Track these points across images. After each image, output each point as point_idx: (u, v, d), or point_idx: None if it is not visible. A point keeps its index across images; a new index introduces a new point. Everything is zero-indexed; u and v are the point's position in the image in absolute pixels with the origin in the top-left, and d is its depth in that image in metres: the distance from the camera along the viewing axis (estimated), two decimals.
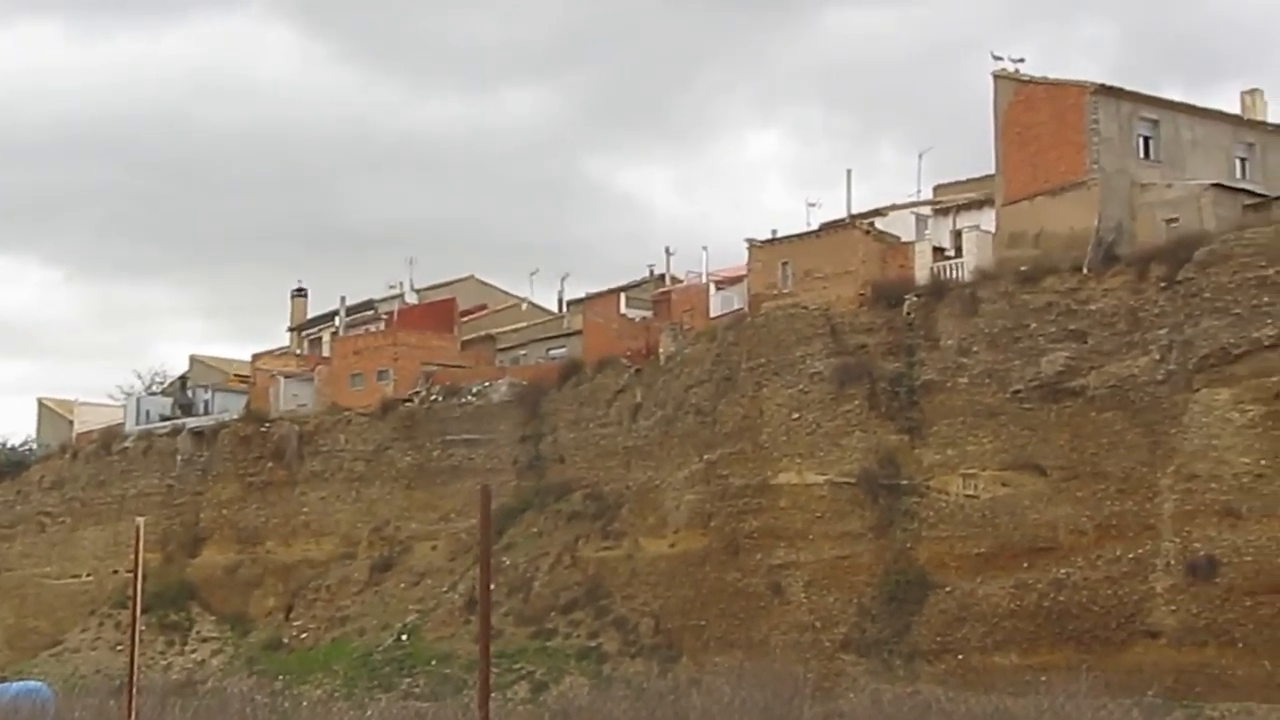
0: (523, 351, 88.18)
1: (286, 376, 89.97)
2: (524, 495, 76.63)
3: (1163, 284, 57.07)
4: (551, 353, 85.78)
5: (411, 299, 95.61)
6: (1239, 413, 53.28)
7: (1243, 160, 67.12)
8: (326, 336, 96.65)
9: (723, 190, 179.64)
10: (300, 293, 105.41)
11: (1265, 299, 53.50)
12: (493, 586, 72.45)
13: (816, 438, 63.37)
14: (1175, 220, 61.08)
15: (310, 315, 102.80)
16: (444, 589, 75.44)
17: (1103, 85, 64.94)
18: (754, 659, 60.77)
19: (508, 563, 73.16)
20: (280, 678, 74.37)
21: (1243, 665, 52.05)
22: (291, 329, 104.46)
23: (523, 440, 78.45)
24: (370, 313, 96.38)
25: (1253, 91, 70.53)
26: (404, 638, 73.99)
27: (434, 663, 71.05)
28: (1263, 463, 52.42)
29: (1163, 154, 65.11)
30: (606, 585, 70.60)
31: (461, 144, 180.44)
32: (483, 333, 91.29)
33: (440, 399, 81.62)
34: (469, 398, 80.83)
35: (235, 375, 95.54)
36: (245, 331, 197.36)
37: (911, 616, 60.00)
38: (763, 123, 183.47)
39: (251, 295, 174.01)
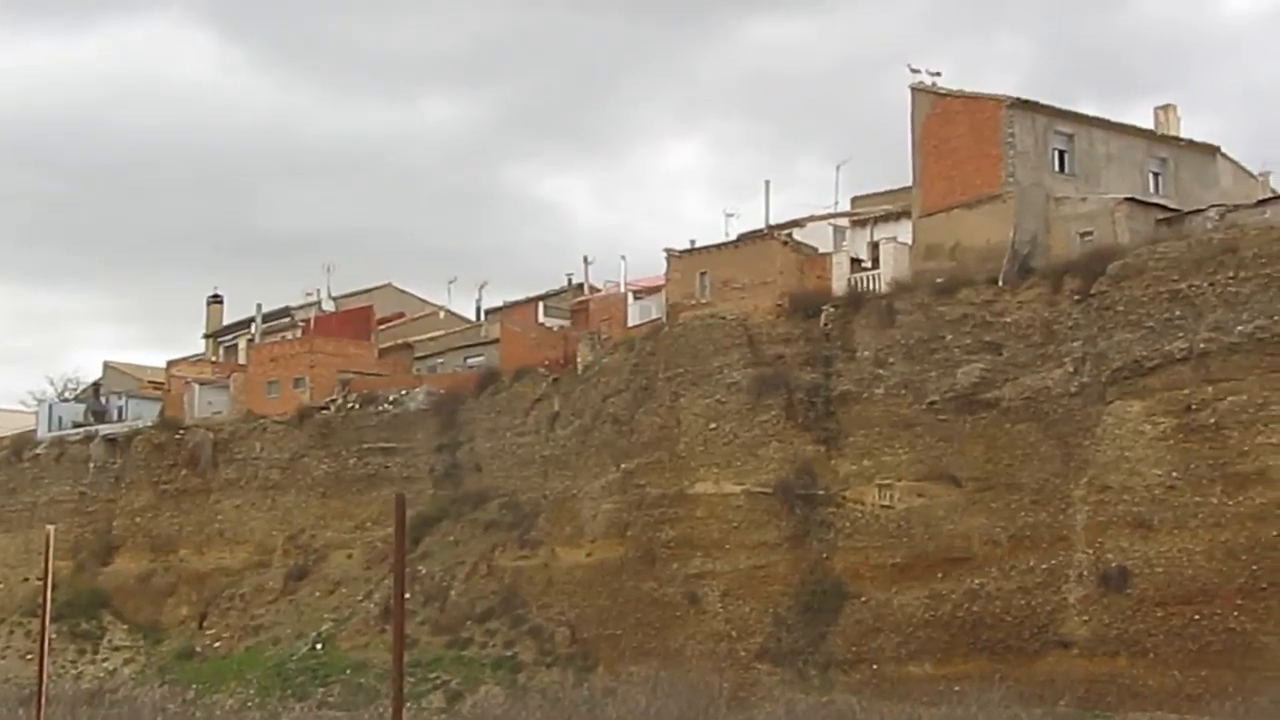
0: (440, 360, 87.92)
1: (202, 384, 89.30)
2: (440, 504, 76.36)
3: (1077, 297, 57.53)
4: (469, 361, 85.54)
5: (328, 307, 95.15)
6: (1151, 425, 53.76)
7: (1156, 175, 67.78)
8: (242, 344, 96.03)
9: (642, 200, 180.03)
10: (216, 299, 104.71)
11: (1177, 313, 53.99)
12: (408, 595, 72.31)
13: (733, 448, 63.48)
14: (1089, 234, 61.63)
15: (226, 322, 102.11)
16: (359, 598, 75.05)
17: (1019, 99, 65.42)
18: (670, 668, 60.89)
19: (424, 571, 72.88)
20: (193, 687, 73.84)
21: (1153, 675, 52.48)
22: (207, 336, 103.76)
23: (439, 449, 78.18)
24: (287, 320, 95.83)
25: (1166, 107, 71.25)
26: (319, 647, 73.52)
27: (349, 672, 70.64)
28: (1174, 475, 52.88)
29: (1077, 168, 65.66)
30: (523, 594, 70.40)
31: (381, 152, 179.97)
32: (400, 341, 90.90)
33: (357, 407, 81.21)
34: (386, 406, 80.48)
35: (150, 382, 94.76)
36: (160, 338, 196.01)
37: (827, 626, 60.18)
38: (683, 133, 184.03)
39: (167, 302, 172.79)
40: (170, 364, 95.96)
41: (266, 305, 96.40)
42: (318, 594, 77.19)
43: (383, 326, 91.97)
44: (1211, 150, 70.13)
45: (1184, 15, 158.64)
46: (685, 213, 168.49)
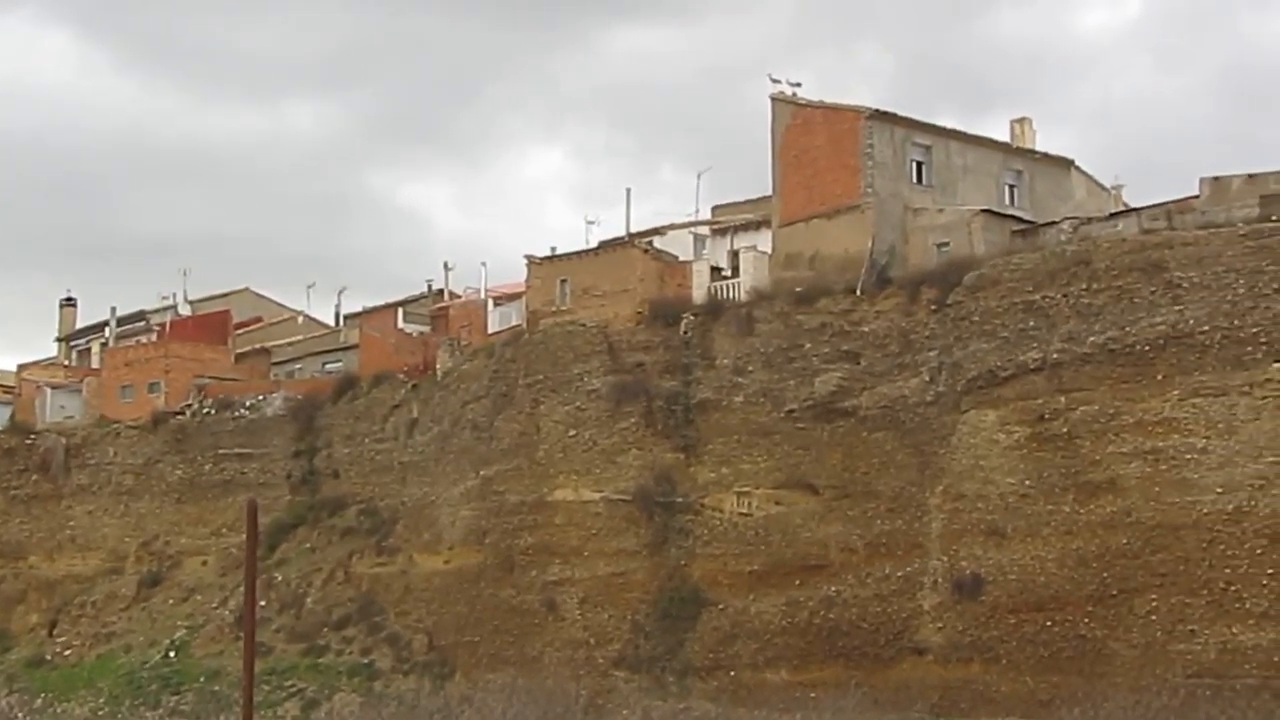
0: (298, 365, 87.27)
1: (53, 387, 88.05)
2: (297, 510, 75.78)
3: (933, 307, 58.06)
4: (327, 367, 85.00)
5: (185, 310, 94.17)
6: (1005, 434, 54.33)
7: (1012, 187, 68.63)
8: (96, 347, 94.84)
9: (504, 207, 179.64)
10: (69, 302, 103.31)
11: (1031, 323, 54.62)
12: (264, 603, 71.65)
13: (593, 455, 63.47)
14: (946, 244, 62.26)
15: (80, 325, 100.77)
16: (214, 605, 74.27)
17: (877, 110, 65.96)
18: (527, 676, 60.81)
19: (280, 579, 72.30)
20: (42, 695, 72.73)
21: (1005, 681, 53.05)
22: (59, 339, 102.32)
23: (296, 455, 77.56)
24: (142, 324, 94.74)
25: (1022, 120, 72.19)
26: (172, 654, 72.68)
27: (202, 680, 69.89)
28: (1027, 483, 53.49)
29: (935, 179, 66.31)
30: (380, 602, 70.01)
31: (242, 155, 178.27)
32: (258, 346, 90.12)
33: (212, 412, 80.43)
34: (242, 411, 79.75)
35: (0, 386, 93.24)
36: (11, 341, 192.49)
37: (685, 634, 60.29)
38: (546, 140, 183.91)
39: (18, 304, 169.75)
40: (21, 367, 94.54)
41: (121, 309, 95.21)
42: (171, 601, 76.32)
43: (240, 331, 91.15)
44: (1066, 163, 71.14)
45: (1041, 31, 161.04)
46: (547, 220, 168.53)
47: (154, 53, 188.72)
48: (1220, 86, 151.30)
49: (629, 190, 76.91)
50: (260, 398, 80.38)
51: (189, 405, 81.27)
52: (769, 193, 68.84)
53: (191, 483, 79.20)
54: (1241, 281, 50.88)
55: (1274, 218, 52.27)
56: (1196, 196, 57.31)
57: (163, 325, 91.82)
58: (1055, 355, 53.49)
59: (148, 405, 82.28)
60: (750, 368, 61.73)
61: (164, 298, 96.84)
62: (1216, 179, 57.21)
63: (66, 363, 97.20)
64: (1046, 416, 53.41)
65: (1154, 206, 58.45)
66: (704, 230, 74.54)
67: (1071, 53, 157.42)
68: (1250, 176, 56.45)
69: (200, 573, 76.80)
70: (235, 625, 71.24)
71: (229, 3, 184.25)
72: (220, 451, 78.98)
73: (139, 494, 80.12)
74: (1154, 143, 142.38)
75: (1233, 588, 49.28)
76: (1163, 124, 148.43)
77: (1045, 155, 70.73)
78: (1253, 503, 49.33)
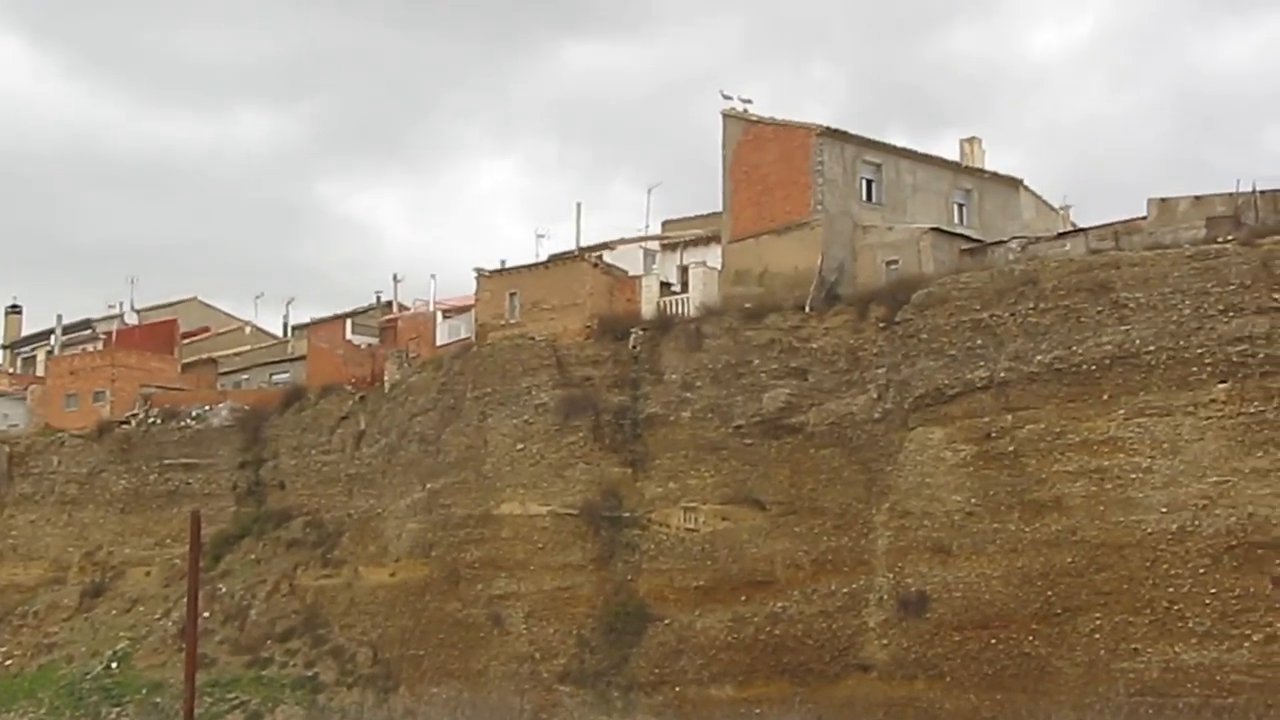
0: (245, 376, 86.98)
1: None
2: (242, 521, 75.44)
3: (882, 324, 58.21)
4: (275, 378, 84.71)
5: (132, 319, 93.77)
6: (951, 452, 54.46)
7: (960, 205, 68.89)
8: (41, 355, 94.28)
9: (455, 219, 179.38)
10: (14, 310, 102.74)
11: (979, 341, 54.81)
12: (208, 614, 71.14)
13: (540, 469, 63.38)
14: (895, 262, 62.43)
15: (25, 333, 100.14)
16: (157, 616, 73.84)
17: (828, 128, 66.09)
18: (472, 690, 60.74)
19: (224, 590, 71.93)
20: None
21: (950, 699, 53.13)
22: (4, 347, 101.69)
23: (243, 466, 77.23)
24: (88, 332, 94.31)
25: (971, 139, 72.49)
26: (114, 666, 72.21)
27: (144, 692, 69.48)
28: (973, 501, 53.61)
29: (885, 197, 66.51)
30: (325, 614, 69.72)
31: (192, 164, 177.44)
32: (205, 356, 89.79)
33: (159, 422, 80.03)
34: (188, 421, 79.38)
35: None
36: None
37: (630, 648, 60.23)
38: (498, 153, 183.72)
39: None
40: None
41: (68, 317, 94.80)
42: (114, 612, 75.84)
43: (187, 341, 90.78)
44: (1015, 183, 71.48)
45: (991, 51, 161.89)
46: (498, 233, 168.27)
47: (106, 60, 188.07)
48: (1168, 108, 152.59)
49: (579, 204, 76.78)
50: (206, 408, 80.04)
51: (134, 415, 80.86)
52: (719, 208, 68.91)
53: (136, 493, 78.76)
54: (1187, 302, 51.17)
55: (1220, 239, 52.61)
56: (1144, 217, 57.67)
57: (109, 334, 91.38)
58: (1002, 374, 53.67)
59: (93, 414, 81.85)
60: (698, 383, 61.76)
61: (111, 306, 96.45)
62: (1163, 200, 57.58)
63: (11, 370, 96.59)
64: (993, 435, 53.57)
65: (1101, 227, 58.82)
66: (654, 245, 74.60)
67: (1021, 73, 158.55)
68: (1197, 198, 56.86)
69: (143, 584, 76.35)
70: (178, 637, 70.85)
71: (181, 10, 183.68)
72: (165, 461, 78.59)
73: (83, 504, 79.64)
74: (1102, 163, 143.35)
75: (1176, 607, 49.50)
76: (1111, 145, 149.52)
77: (994, 175, 71.04)
78: (1196, 523, 49.56)
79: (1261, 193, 54.98)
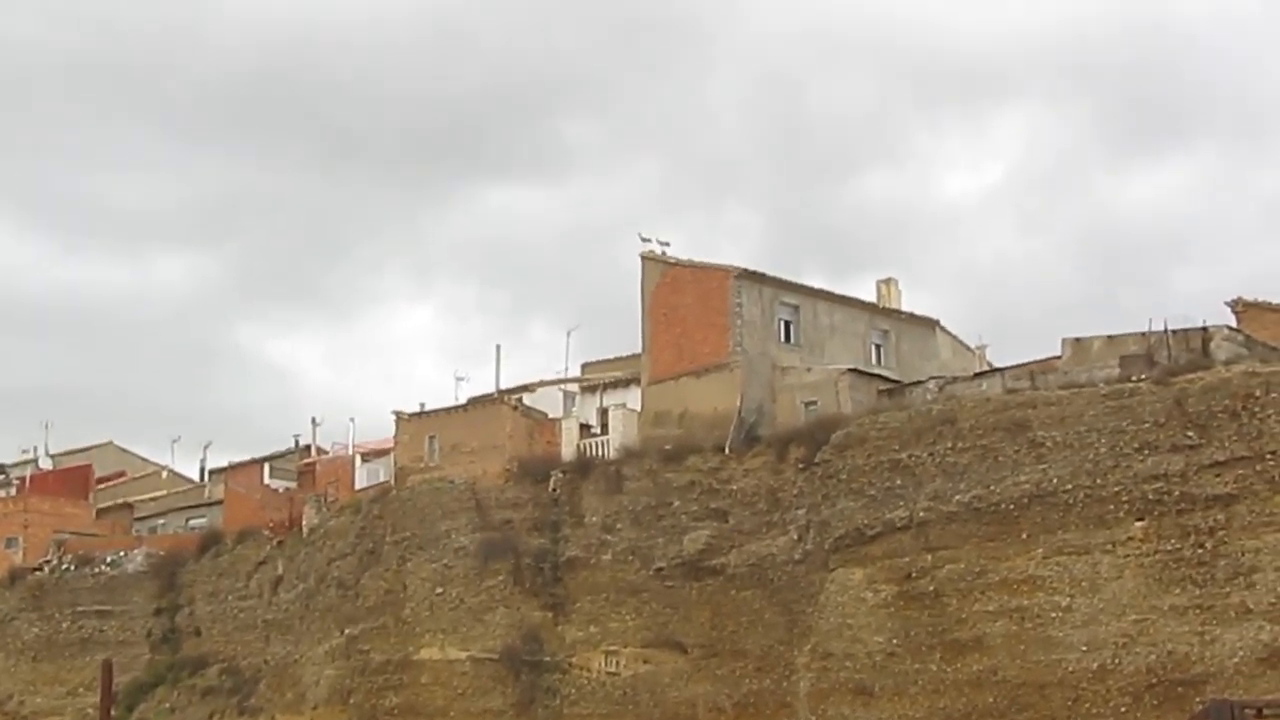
0: (161, 520, 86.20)
1: None
2: (157, 669, 74.44)
3: (801, 465, 58.30)
4: (191, 523, 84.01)
5: (46, 464, 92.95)
6: (873, 592, 54.43)
7: (878, 346, 69.32)
8: None
9: (373, 363, 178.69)
10: None
11: (898, 481, 54.96)
12: None
13: (460, 613, 62.89)
14: (814, 403, 62.64)
15: None
16: None
17: (746, 270, 66.49)
18: None
19: None
20: None
21: None
22: None
23: (158, 612, 76.36)
24: (1, 477, 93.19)
25: (887, 281, 73.05)
26: None
27: None
28: (894, 642, 53.53)
29: (803, 338, 66.85)
30: None
31: (109, 307, 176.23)
32: (120, 500, 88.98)
33: (72, 568, 79.14)
34: (103, 567, 78.55)
35: None
36: None
37: None
38: (417, 296, 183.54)
39: None
40: None
41: None
42: None
43: (102, 485, 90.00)
44: (931, 324, 72.06)
45: (906, 194, 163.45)
46: (417, 376, 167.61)
47: (22, 203, 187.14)
48: (1079, 249, 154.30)
49: (499, 347, 76.79)
50: (121, 554, 79.25)
51: (47, 561, 79.98)
52: (639, 350, 69.06)
53: (48, 640, 77.70)
54: (1103, 441, 51.56)
55: (1134, 378, 53.16)
56: (1058, 357, 58.16)
57: (23, 479, 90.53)
58: (922, 513, 53.81)
59: (4, 561, 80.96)
60: (619, 525, 61.61)
61: (24, 451, 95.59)
62: (1078, 340, 58.10)
63: None
64: (914, 575, 53.59)
65: (1017, 367, 59.25)
66: (573, 387, 74.65)
67: (936, 216, 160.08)
68: (1110, 338, 57.40)
69: None
70: None
71: (97, 155, 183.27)
72: (79, 609, 77.63)
73: None
74: (1016, 304, 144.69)
75: None
76: (1024, 285, 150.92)
77: (911, 315, 71.60)
78: (1117, 661, 49.64)
79: (1173, 332, 55.57)
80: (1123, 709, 49.28)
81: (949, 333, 72.71)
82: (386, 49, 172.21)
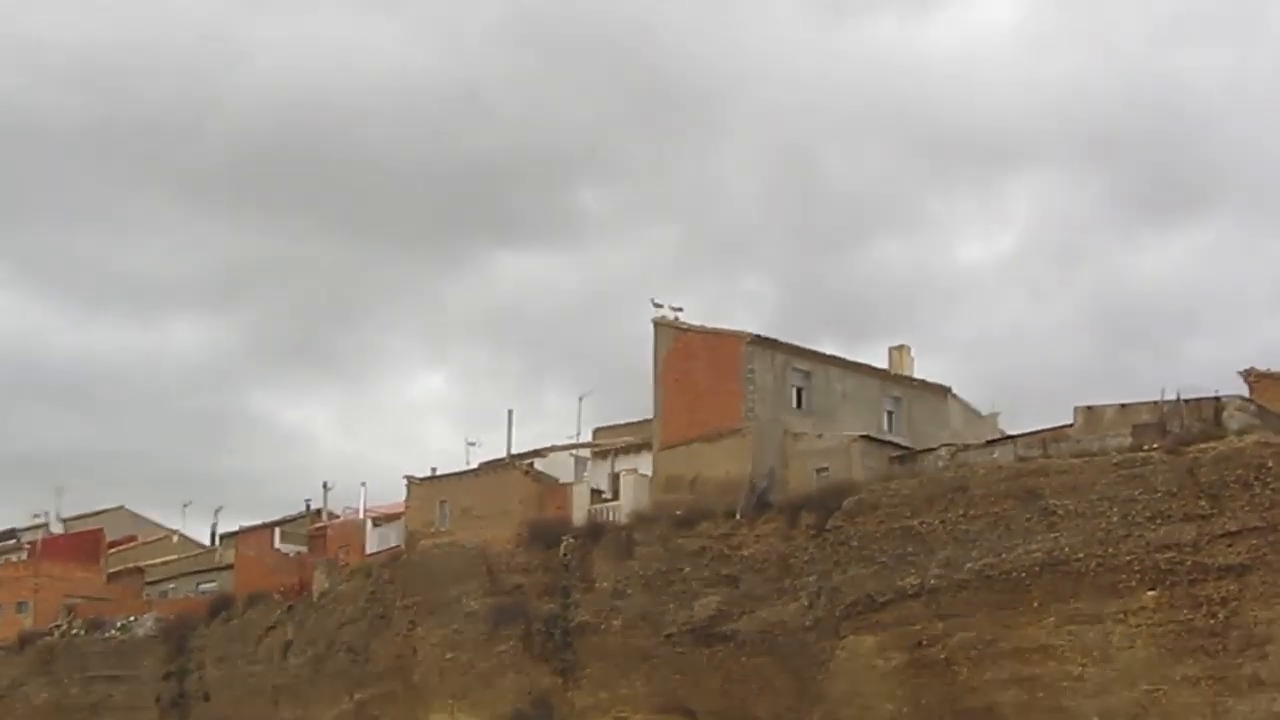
0: (172, 585, 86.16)
1: None
2: None
3: (812, 532, 58.14)
4: (201, 587, 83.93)
5: (57, 528, 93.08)
6: (883, 660, 54.23)
7: (890, 413, 69.23)
8: None
9: (386, 427, 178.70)
10: None
11: (909, 548, 54.79)
12: None
13: (470, 678, 62.75)
14: (826, 469, 62.49)
15: None
16: None
17: (758, 336, 66.55)
18: None
19: None
20: None
21: None
22: None
23: (167, 677, 76.22)
24: (12, 542, 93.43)
25: (900, 348, 72.95)
26: None
27: None
28: (905, 710, 53.31)
29: (815, 405, 66.81)
30: None
31: (122, 372, 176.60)
32: (131, 565, 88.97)
33: (82, 633, 79.15)
34: (113, 632, 78.51)
35: None
36: None
37: None
38: (430, 362, 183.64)
39: None
40: None
41: None
42: None
43: (113, 550, 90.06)
44: (943, 391, 71.96)
45: (920, 261, 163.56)
46: (429, 441, 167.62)
47: (38, 268, 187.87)
48: (1092, 318, 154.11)
49: (511, 412, 76.84)
50: (132, 618, 79.18)
51: (58, 625, 79.96)
52: (650, 416, 69.03)
53: (58, 705, 77.62)
54: (1115, 509, 51.38)
55: (1146, 447, 53.02)
56: (1071, 425, 58.06)
57: (34, 543, 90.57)
58: (933, 581, 53.63)
59: (15, 625, 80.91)
60: (629, 591, 61.45)
61: (36, 515, 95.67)
62: (1090, 408, 58.03)
63: None
64: (924, 643, 53.39)
65: (1029, 434, 59.17)
66: (585, 453, 74.58)
67: (949, 283, 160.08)
68: (1122, 406, 57.32)
69: None
70: None
71: (113, 221, 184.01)
72: (89, 674, 77.61)
73: (3, 717, 78.21)
74: (1028, 372, 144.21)
75: None
76: (1037, 354, 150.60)
77: (923, 383, 71.53)
78: None
79: (1185, 401, 55.47)
80: None
81: (961, 400, 72.61)
82: (404, 117, 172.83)
